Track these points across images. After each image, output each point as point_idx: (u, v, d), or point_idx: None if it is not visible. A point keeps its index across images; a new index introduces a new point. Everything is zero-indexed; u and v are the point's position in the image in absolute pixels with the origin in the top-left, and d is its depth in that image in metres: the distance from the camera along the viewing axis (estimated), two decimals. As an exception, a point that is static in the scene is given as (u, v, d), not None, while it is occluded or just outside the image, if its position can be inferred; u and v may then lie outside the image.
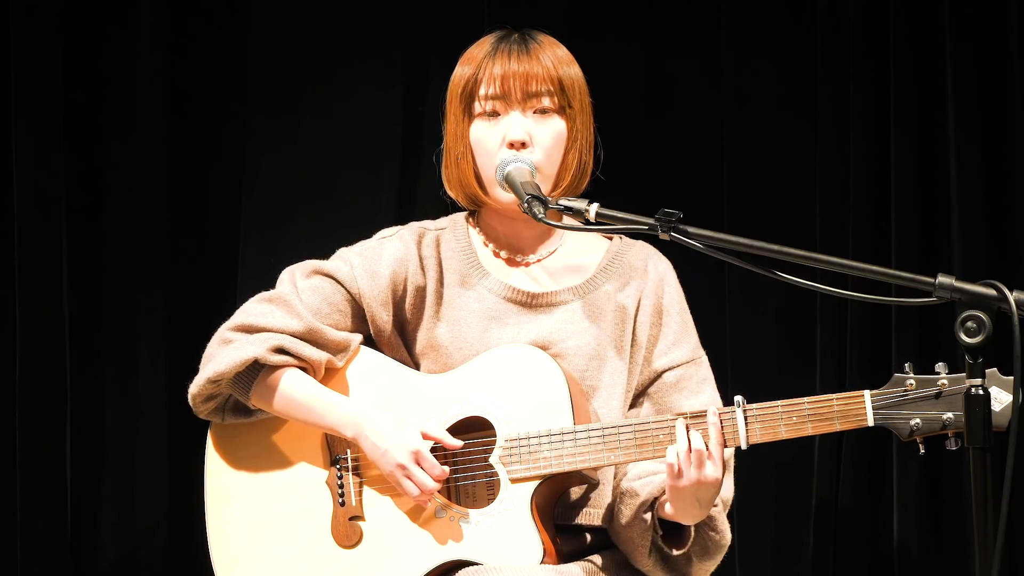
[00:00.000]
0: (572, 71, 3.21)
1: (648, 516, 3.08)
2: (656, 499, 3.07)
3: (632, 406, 3.22)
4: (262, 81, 4.40)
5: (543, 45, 3.21)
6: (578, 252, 3.28)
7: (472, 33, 3.30)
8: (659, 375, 3.22)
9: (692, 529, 3.09)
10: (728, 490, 3.13)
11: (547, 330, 3.19)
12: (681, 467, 2.96)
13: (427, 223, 3.32)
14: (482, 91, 3.18)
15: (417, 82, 4.34)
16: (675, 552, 3.10)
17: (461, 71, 3.22)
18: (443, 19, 4.36)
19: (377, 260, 3.24)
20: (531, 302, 3.22)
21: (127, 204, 4.38)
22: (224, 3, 4.42)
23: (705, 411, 3.01)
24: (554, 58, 3.19)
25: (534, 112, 3.18)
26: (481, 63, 3.19)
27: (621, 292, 3.23)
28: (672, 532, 3.12)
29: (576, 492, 3.19)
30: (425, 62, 4.34)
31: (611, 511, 3.17)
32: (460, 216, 3.32)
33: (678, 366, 3.22)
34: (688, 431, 2.98)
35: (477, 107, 3.20)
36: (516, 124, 3.17)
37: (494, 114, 3.19)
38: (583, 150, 3.22)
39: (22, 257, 4.29)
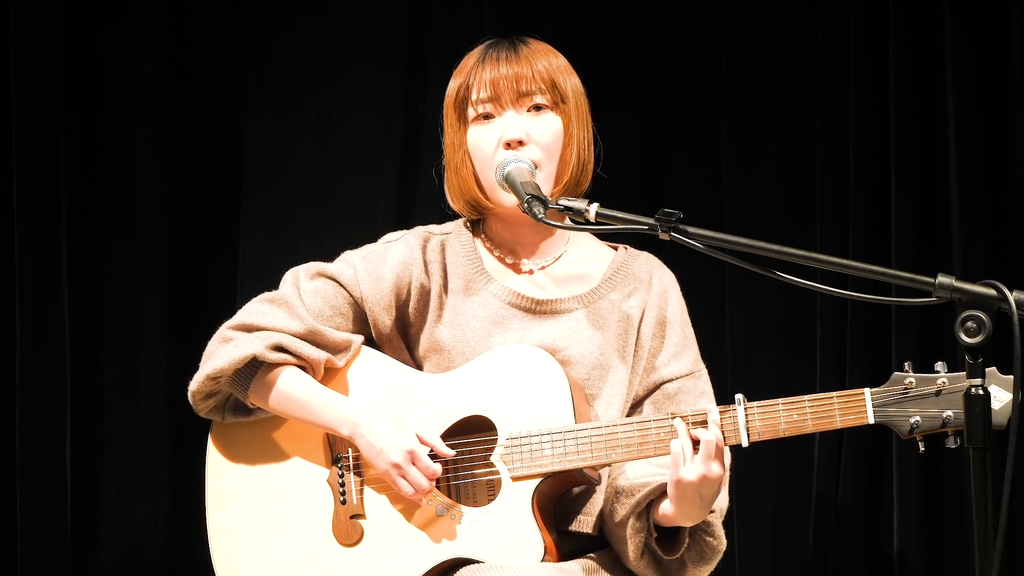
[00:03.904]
0: (567, 77, 3.20)
1: (643, 518, 3.07)
2: (653, 501, 3.07)
3: (630, 416, 3.21)
4: (262, 81, 4.40)
5: (534, 48, 3.21)
6: (583, 260, 3.27)
7: (472, 34, 3.30)
8: (658, 386, 3.22)
9: (687, 533, 3.08)
10: (723, 499, 3.12)
11: (551, 337, 3.19)
12: (685, 457, 2.95)
13: (432, 228, 3.32)
14: (474, 96, 3.19)
15: (417, 82, 4.34)
16: (668, 556, 3.10)
17: (454, 82, 3.24)
18: (443, 19, 4.35)
19: (381, 264, 3.24)
20: (536, 308, 3.22)
21: (127, 204, 4.37)
22: (224, 3, 4.42)
23: (706, 411, 3.00)
24: (546, 62, 3.20)
25: (528, 110, 3.19)
26: (471, 71, 3.20)
27: (625, 302, 3.23)
28: (666, 537, 3.11)
29: (569, 499, 3.18)
30: (425, 62, 4.34)
31: (605, 511, 3.17)
32: (463, 222, 3.32)
33: (678, 378, 3.22)
34: (689, 427, 2.98)
35: (471, 112, 3.20)
36: (511, 123, 3.17)
37: (488, 117, 3.19)
38: (582, 146, 3.21)
39: (22, 257, 4.29)
